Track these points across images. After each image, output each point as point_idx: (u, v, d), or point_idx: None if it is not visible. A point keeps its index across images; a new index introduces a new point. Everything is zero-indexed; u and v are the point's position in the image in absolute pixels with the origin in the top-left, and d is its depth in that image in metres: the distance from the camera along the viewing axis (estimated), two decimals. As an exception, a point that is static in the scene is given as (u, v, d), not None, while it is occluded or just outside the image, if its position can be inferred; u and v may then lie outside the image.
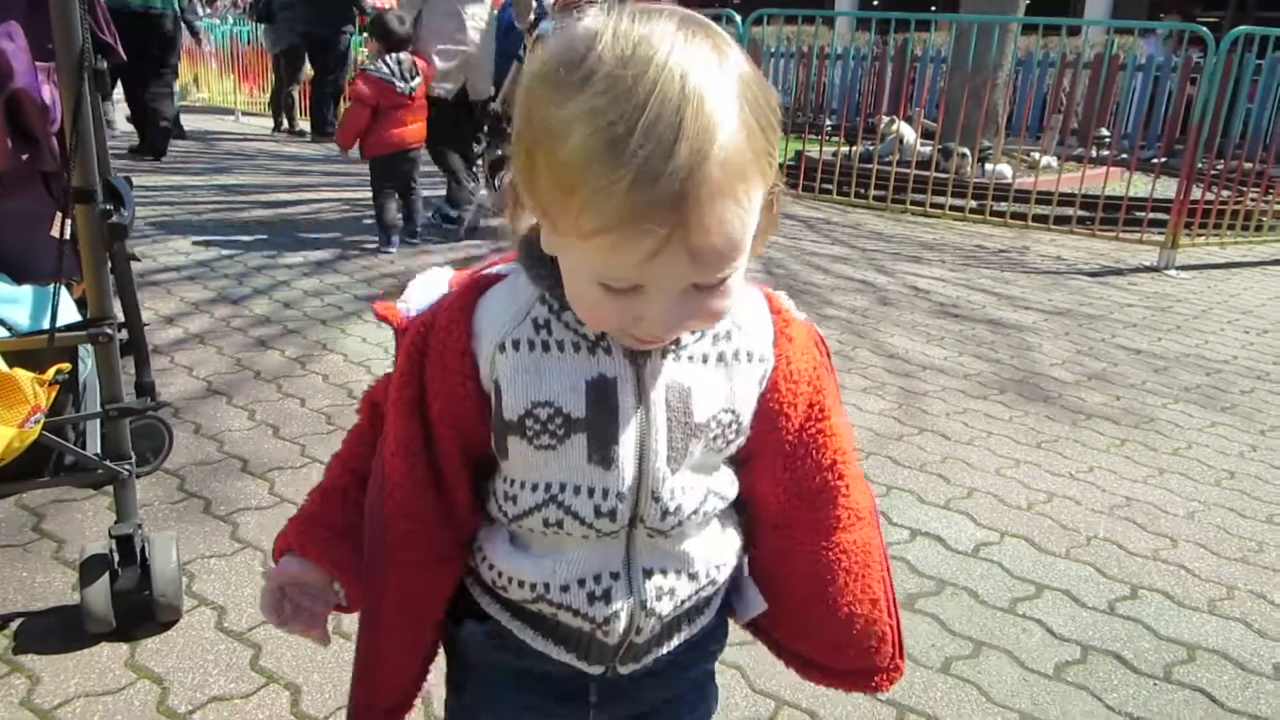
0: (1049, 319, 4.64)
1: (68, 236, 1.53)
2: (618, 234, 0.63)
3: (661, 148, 0.61)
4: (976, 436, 3.08)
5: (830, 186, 7.85)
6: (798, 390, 0.84)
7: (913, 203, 7.45)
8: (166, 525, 2.23)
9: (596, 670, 0.88)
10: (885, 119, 8.75)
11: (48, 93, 1.44)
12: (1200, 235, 6.62)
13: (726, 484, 0.87)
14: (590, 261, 0.67)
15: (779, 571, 0.93)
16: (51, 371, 1.49)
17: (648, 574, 0.84)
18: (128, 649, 1.79)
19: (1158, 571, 2.31)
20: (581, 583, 0.84)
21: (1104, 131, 9.81)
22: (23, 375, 1.41)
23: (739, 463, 0.88)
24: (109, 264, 1.61)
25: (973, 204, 7.36)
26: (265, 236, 5.42)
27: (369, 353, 3.57)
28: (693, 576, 0.86)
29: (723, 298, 0.70)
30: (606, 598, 0.83)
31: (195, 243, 5.15)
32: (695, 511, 0.83)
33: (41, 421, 1.46)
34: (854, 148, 8.42)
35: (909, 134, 8.36)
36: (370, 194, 5.32)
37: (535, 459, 0.81)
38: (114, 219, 1.56)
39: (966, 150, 7.63)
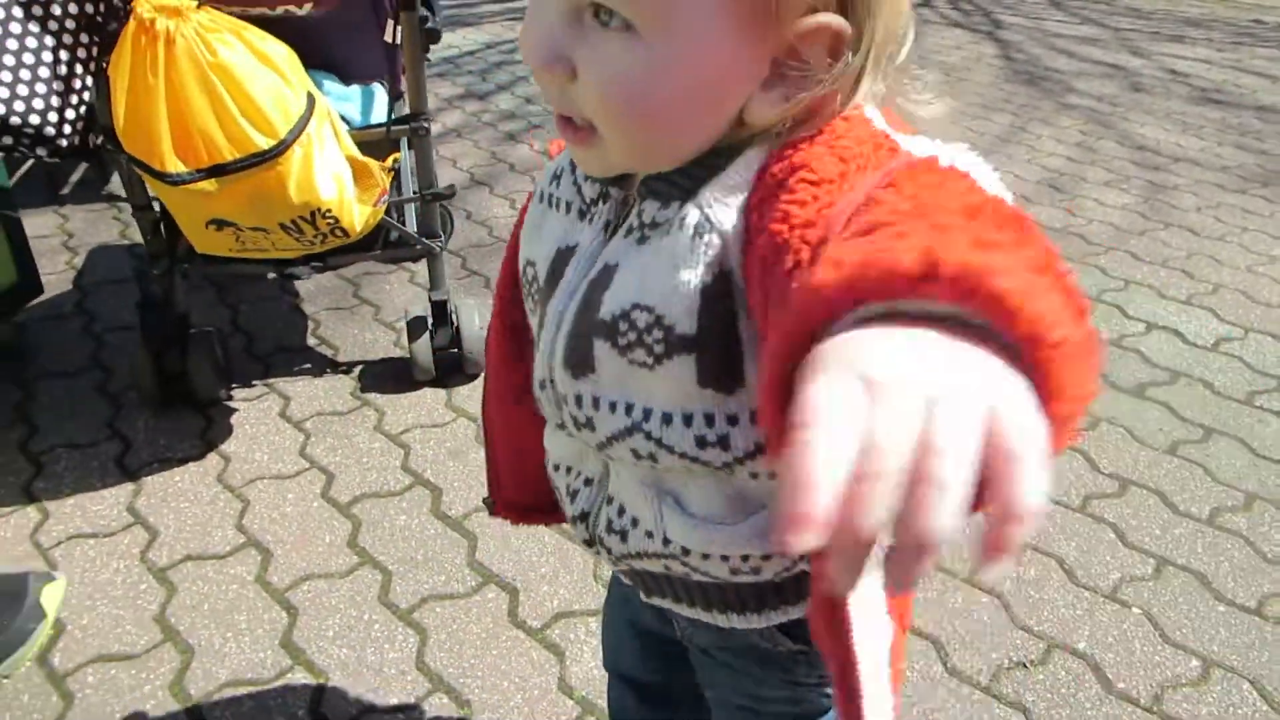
0: (1333, 105, 4.17)
1: (393, 40, 1.78)
2: None
3: None
4: (1229, 232, 2.95)
5: (1083, -45, 7.06)
6: (770, 237, 0.52)
7: (1181, -29, 6.61)
8: (456, 296, 2.61)
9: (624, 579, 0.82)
10: None
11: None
12: None
13: (686, 439, 0.63)
14: None
15: None
16: (390, 160, 1.79)
17: (609, 500, 0.73)
18: (445, 394, 2.19)
19: None
20: (568, 469, 0.78)
21: None
22: (373, 163, 1.71)
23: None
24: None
25: (1255, -30, 6.46)
26: (496, 32, 5.63)
27: (607, 145, 3.79)
28: (649, 535, 0.70)
29: (616, 59, 0.54)
30: (574, 497, 0.77)
31: (437, 39, 5.44)
32: (616, 439, 0.66)
33: (386, 203, 1.77)
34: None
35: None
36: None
37: (532, 319, 0.75)
38: (430, 24, 1.79)
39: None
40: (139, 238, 2.94)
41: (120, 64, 1.45)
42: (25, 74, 1.49)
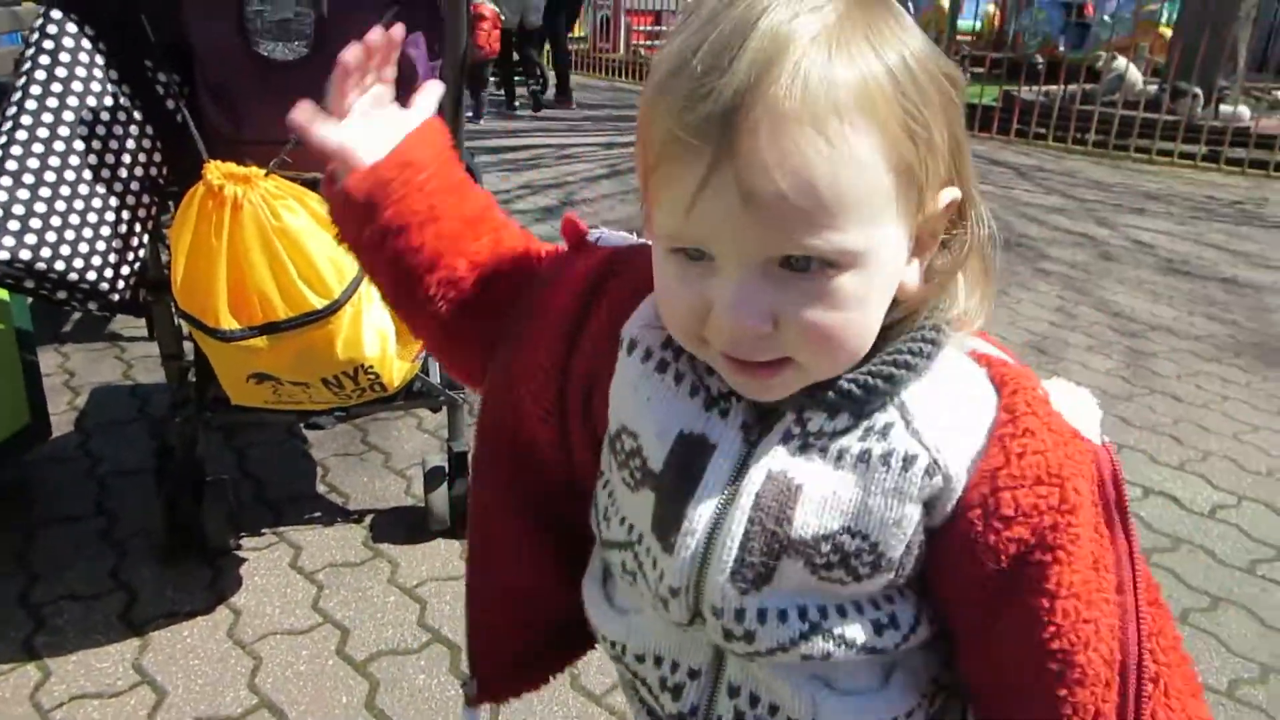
0: (1291, 278, 4.42)
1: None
2: (667, 157, 0.53)
3: (719, 62, 0.51)
4: (1211, 400, 3.07)
5: (1044, 130, 7.56)
6: (999, 534, 0.58)
7: (1136, 149, 7.09)
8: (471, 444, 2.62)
9: None
10: (1106, 55, 8.28)
11: (434, 88, 1.76)
12: None
13: (865, 629, 0.62)
14: (659, 219, 0.56)
15: None
16: (429, 318, 1.84)
17: (733, 691, 0.67)
18: (459, 544, 2.18)
19: None
20: (659, 661, 0.69)
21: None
22: (413, 321, 1.77)
23: (939, 615, 0.65)
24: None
25: (1204, 150, 6.93)
26: (492, 183, 5.86)
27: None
28: None
29: (824, 299, 0.54)
30: (677, 693, 0.69)
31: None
32: (784, 649, 0.62)
33: (423, 358, 1.82)
34: (1070, 88, 8.04)
35: (1134, 73, 7.90)
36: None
37: (623, 489, 0.68)
38: (473, 193, 1.89)
39: (1199, 90, 7.15)
40: (143, 378, 2.97)
41: (184, 225, 1.50)
42: (88, 231, 1.54)
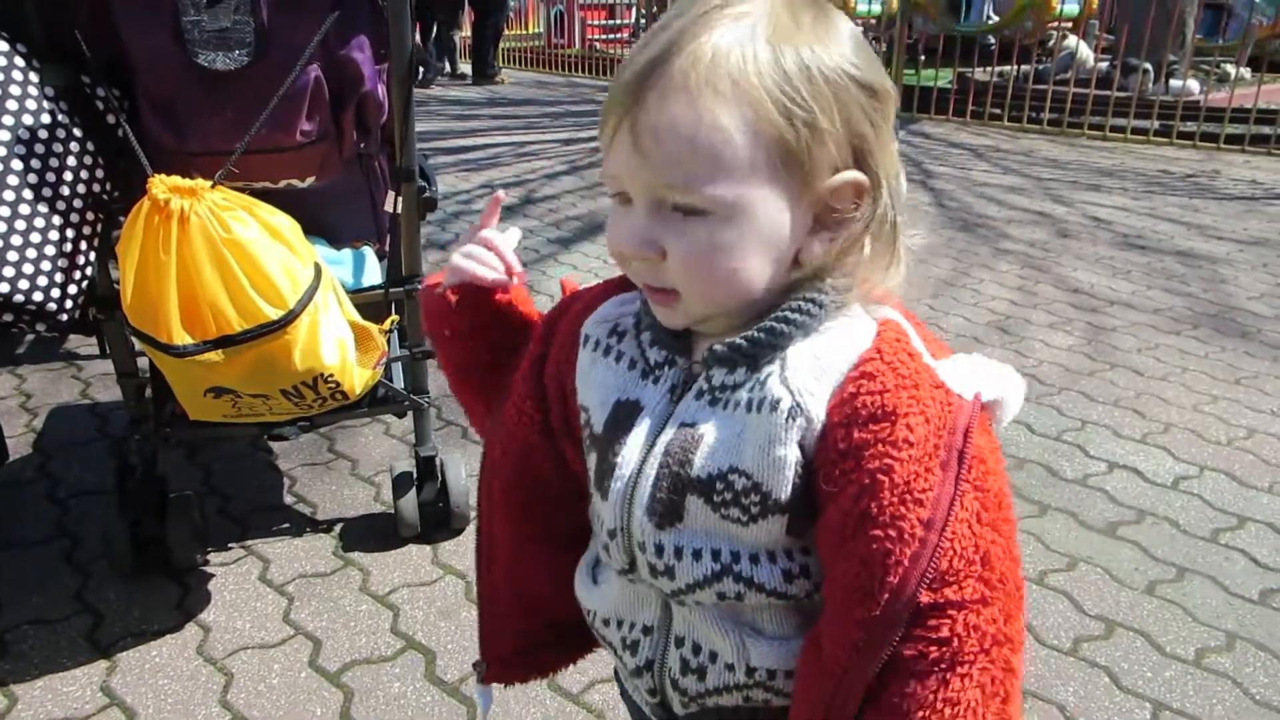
0: (1244, 249, 4.49)
1: (394, 210, 1.85)
2: (604, 113, 0.68)
3: (647, 45, 0.66)
4: (1170, 372, 3.12)
5: (999, 111, 7.63)
6: (837, 463, 0.65)
7: (1090, 125, 7.18)
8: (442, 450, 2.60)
9: None
10: (1057, 34, 8.37)
11: (381, 91, 1.73)
12: None
13: (774, 575, 0.70)
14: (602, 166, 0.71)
15: None
16: (389, 322, 1.82)
17: (679, 642, 0.76)
18: (430, 550, 2.16)
19: (1365, 506, 2.35)
20: (620, 623, 0.80)
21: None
22: (373, 326, 1.75)
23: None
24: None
25: (1156, 125, 7.03)
26: (451, 184, 5.82)
27: (572, 293, 3.88)
28: (730, 668, 0.74)
29: (698, 239, 0.66)
30: (634, 649, 0.79)
31: (396, 191, 5.59)
32: (700, 585, 0.71)
33: (384, 364, 1.80)
34: (1023, 68, 8.12)
35: (1084, 50, 7.99)
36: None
37: (585, 459, 0.80)
38: (427, 194, 1.87)
39: (1149, 65, 7.25)
40: (101, 397, 2.91)
41: (131, 241, 1.47)
42: (31, 253, 1.50)
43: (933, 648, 0.62)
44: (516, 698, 1.72)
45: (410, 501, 2.14)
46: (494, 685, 0.96)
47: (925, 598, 0.62)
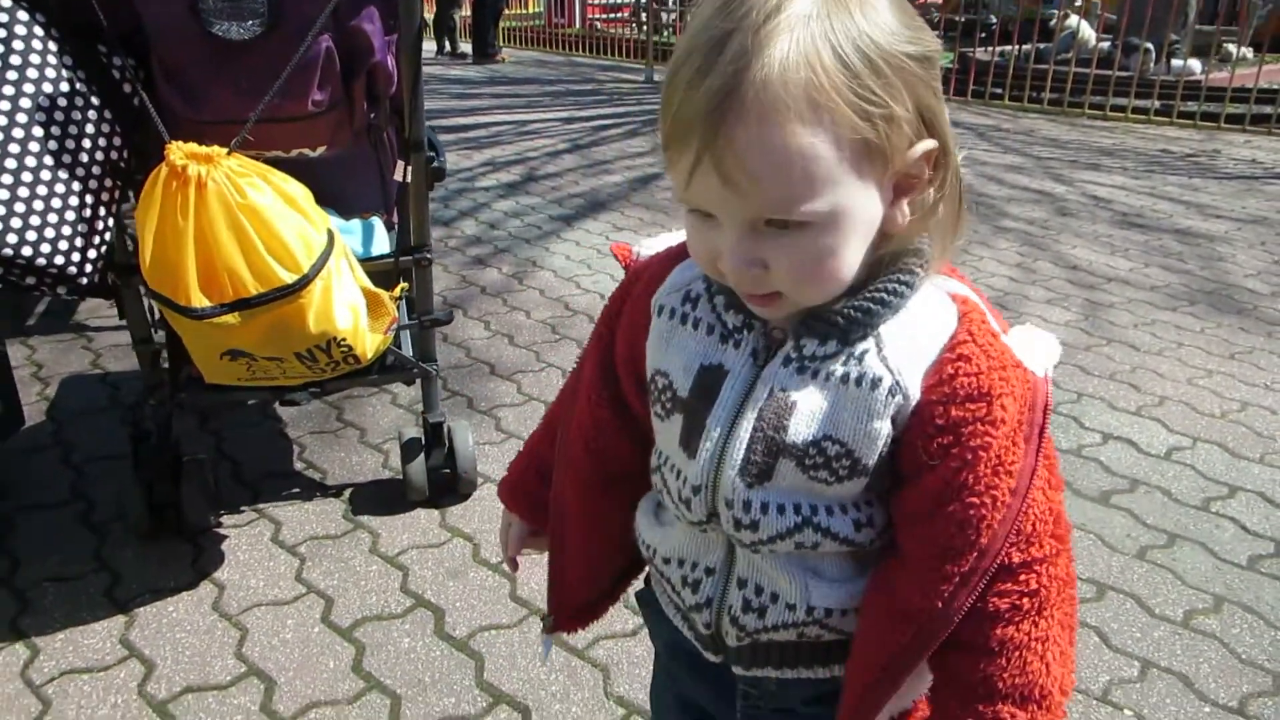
0: (1242, 227, 4.53)
1: (404, 180, 1.88)
2: (670, 143, 0.67)
3: (707, 63, 0.63)
4: (1166, 347, 3.16)
5: (1000, 91, 7.63)
6: (932, 438, 0.71)
7: (1090, 105, 7.18)
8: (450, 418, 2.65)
9: (714, 659, 0.88)
10: (1059, 14, 8.36)
11: (390, 62, 1.76)
12: None
13: (847, 525, 0.77)
14: (674, 186, 0.70)
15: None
16: (399, 289, 1.86)
17: (741, 583, 0.82)
18: (439, 514, 2.21)
19: (1354, 476, 2.40)
20: (681, 562, 0.85)
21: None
22: (383, 292, 1.79)
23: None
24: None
25: (1157, 105, 7.04)
26: (453, 161, 5.83)
27: (575, 269, 3.92)
28: (790, 608, 0.80)
29: (801, 250, 0.67)
30: (695, 588, 0.84)
31: (399, 167, 5.61)
32: (781, 537, 0.77)
33: (395, 330, 1.84)
34: (1024, 47, 8.11)
35: (1086, 30, 7.98)
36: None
37: (655, 422, 0.84)
38: (436, 164, 1.91)
39: (1151, 45, 7.25)
40: (112, 367, 2.96)
41: (150, 206, 1.51)
42: (53, 217, 1.54)
43: (1025, 599, 0.73)
44: (524, 653, 1.77)
45: (419, 466, 2.19)
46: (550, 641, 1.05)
47: (1016, 556, 0.72)
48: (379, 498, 2.28)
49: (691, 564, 0.84)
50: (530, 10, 12.78)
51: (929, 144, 0.68)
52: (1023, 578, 0.73)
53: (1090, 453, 2.49)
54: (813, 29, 0.63)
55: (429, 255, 2.00)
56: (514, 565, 1.06)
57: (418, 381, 2.23)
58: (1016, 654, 0.73)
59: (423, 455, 2.20)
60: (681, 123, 0.65)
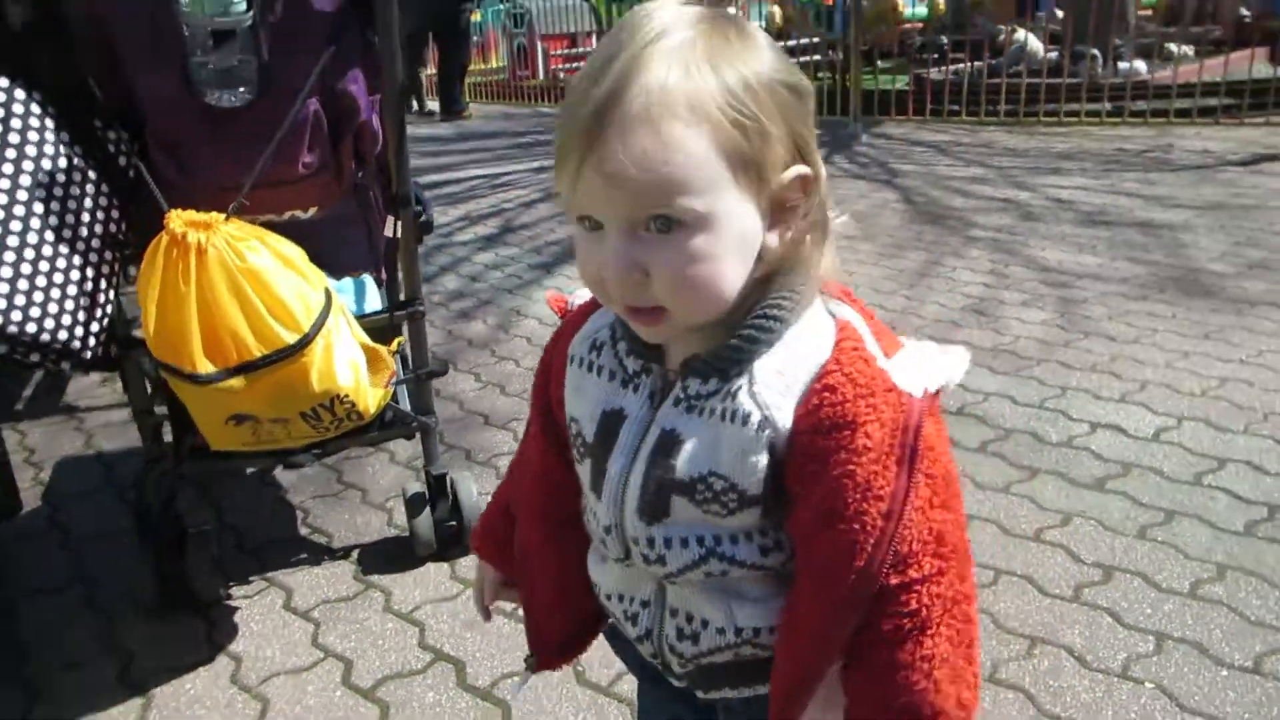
0: (1201, 214, 4.64)
1: (394, 234, 1.93)
2: (561, 150, 0.71)
3: (595, 80, 0.69)
4: (1142, 335, 3.24)
5: (957, 107, 7.81)
6: (804, 466, 0.74)
7: (1045, 114, 7.37)
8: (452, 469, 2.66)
9: (679, 684, 0.92)
10: (1006, 28, 8.59)
11: (375, 121, 1.82)
12: (1360, 111, 6.35)
13: (752, 551, 0.80)
14: (563, 195, 0.74)
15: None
16: (396, 344, 1.90)
17: (673, 613, 0.86)
18: (448, 566, 2.22)
19: (1338, 441, 2.46)
20: (621, 597, 0.90)
21: (1243, 11, 9.31)
22: (382, 348, 1.82)
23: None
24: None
25: (1108, 107, 7.23)
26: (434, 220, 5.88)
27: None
28: (720, 631, 0.83)
29: (681, 253, 0.70)
30: (634, 620, 0.89)
31: (374, 232, 5.66)
32: (689, 569, 0.81)
33: (394, 384, 1.87)
34: (976, 64, 8.32)
35: (1034, 42, 8.21)
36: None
37: (576, 467, 0.89)
38: (423, 218, 1.95)
39: (1097, 51, 7.46)
40: (106, 446, 2.96)
41: (151, 275, 1.54)
42: (55, 293, 1.57)
43: (905, 620, 0.74)
44: (549, 694, 1.78)
45: (425, 521, 2.20)
46: (533, 676, 1.07)
47: (893, 579, 0.73)
48: (387, 556, 2.29)
49: (629, 598, 0.89)
50: (493, 64, 12.98)
51: (802, 169, 0.73)
52: (903, 599, 0.74)
53: (1081, 442, 2.54)
54: (696, 49, 0.69)
55: (422, 308, 2.04)
56: (486, 616, 1.10)
57: (417, 437, 2.25)
58: (902, 674, 0.74)
59: (428, 509, 2.21)
60: (570, 130, 0.69)
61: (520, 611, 1.06)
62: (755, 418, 0.74)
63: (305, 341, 1.59)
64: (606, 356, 0.85)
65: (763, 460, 0.75)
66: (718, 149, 0.68)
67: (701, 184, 0.68)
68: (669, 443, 0.78)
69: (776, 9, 10.39)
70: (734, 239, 0.71)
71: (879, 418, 0.72)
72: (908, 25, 9.59)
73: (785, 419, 0.74)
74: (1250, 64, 6.88)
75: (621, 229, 0.70)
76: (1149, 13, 8.38)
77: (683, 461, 0.77)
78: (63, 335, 1.56)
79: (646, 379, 0.81)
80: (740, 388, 0.75)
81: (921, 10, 9.77)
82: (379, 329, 1.98)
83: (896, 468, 0.72)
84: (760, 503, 0.77)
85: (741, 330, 0.75)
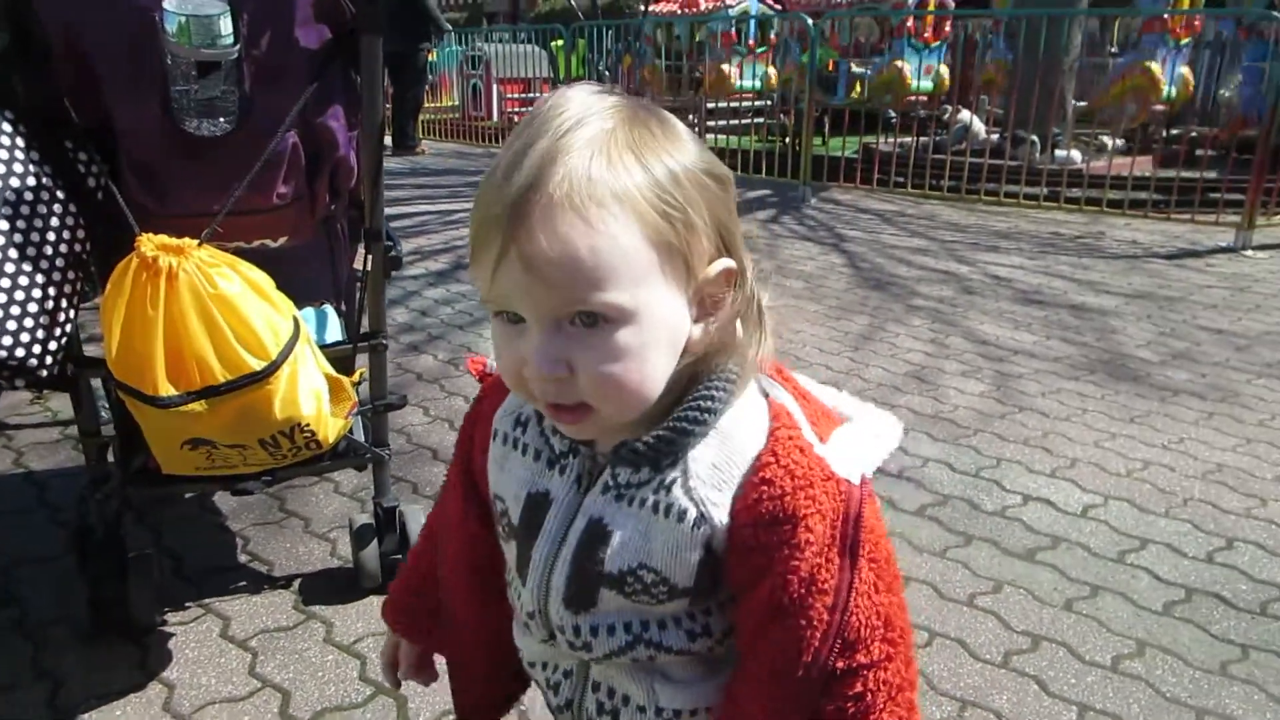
0: (1130, 302, 4.88)
1: (364, 268, 1.94)
2: (478, 241, 0.67)
3: (515, 166, 0.65)
4: (1072, 413, 3.38)
5: (903, 179, 8.09)
6: (745, 561, 0.73)
7: (986, 192, 7.67)
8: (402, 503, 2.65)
9: None
10: (949, 108, 8.96)
11: (352, 157, 1.85)
12: (1277, 214, 6.74)
13: (680, 638, 0.79)
14: (480, 288, 0.70)
15: None
16: (357, 375, 1.90)
17: (595, 687, 0.85)
18: (391, 600, 2.21)
19: (1250, 527, 2.59)
20: (544, 665, 0.89)
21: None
22: (344, 379, 1.82)
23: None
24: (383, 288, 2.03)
25: (1045, 191, 7.55)
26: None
27: (510, 354, 3.98)
28: (641, 710, 0.82)
29: (606, 348, 0.67)
30: (556, 690, 0.88)
31: (325, 259, 5.63)
32: (616, 654, 0.79)
33: (354, 415, 1.87)
34: (922, 139, 8.64)
35: (977, 124, 8.57)
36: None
37: (502, 543, 0.87)
38: (393, 253, 1.98)
39: (1036, 137, 7.81)
40: (36, 466, 2.87)
41: (118, 296, 1.53)
42: (15, 309, 1.55)
43: (849, 704, 0.74)
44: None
45: (372, 553, 2.19)
46: None
47: (840, 664, 0.73)
48: (330, 587, 2.26)
49: (552, 667, 0.88)
50: (446, 103, 13.04)
51: (727, 262, 0.71)
52: (848, 682, 0.74)
53: (1014, 513, 2.64)
54: (617, 137, 0.66)
55: (385, 341, 2.06)
56: (396, 684, 1.08)
57: (363, 469, 2.24)
58: None
59: (375, 541, 2.20)
60: (488, 219, 0.66)
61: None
62: (691, 514, 0.72)
63: (271, 369, 1.59)
64: (532, 434, 0.82)
65: (697, 556, 0.73)
66: (645, 240, 0.66)
67: (629, 276, 0.66)
68: (597, 533, 0.76)
69: (772, 70, 10.61)
70: (662, 333, 0.69)
71: (819, 509, 0.70)
72: (912, 97, 9.90)
73: (722, 515, 0.72)
74: (1179, 162, 7.28)
75: (545, 324, 0.67)
76: (1085, 104, 8.78)
77: (612, 554, 0.75)
78: (19, 352, 1.54)
79: (574, 460, 0.79)
80: (674, 480, 0.73)
81: (927, 84, 10.10)
82: (339, 359, 1.99)
83: (840, 559, 0.71)
84: (691, 594, 0.76)
85: (673, 421, 0.73)
